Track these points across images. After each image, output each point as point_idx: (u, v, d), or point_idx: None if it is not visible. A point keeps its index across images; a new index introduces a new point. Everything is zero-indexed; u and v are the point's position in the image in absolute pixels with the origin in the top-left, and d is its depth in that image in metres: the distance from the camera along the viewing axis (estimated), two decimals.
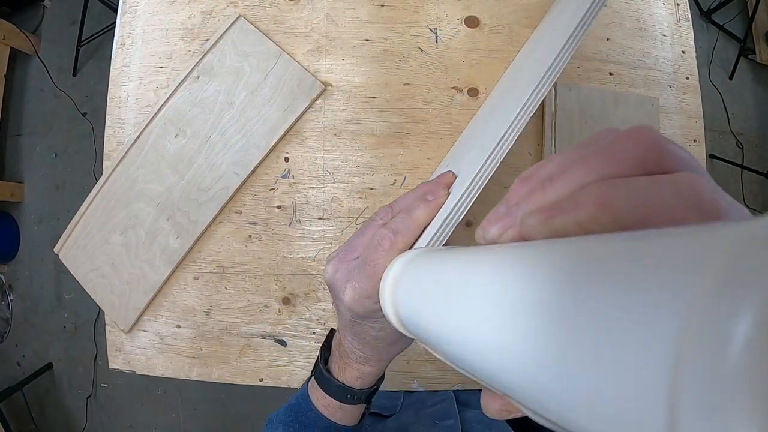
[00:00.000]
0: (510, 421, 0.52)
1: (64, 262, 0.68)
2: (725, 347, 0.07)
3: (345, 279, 0.29)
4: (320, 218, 0.64)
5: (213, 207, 0.64)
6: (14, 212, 1.78)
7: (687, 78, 0.67)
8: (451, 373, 0.64)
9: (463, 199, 0.28)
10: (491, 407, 0.17)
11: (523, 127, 0.29)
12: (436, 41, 0.65)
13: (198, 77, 0.64)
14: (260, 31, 0.64)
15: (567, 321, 0.10)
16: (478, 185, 0.28)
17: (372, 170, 0.64)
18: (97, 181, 0.66)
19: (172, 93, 0.64)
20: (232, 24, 0.64)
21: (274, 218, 0.65)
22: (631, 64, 0.66)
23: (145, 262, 0.65)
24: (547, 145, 0.62)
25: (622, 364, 0.08)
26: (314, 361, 0.39)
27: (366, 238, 0.30)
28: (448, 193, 0.30)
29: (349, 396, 0.35)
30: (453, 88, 0.64)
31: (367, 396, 0.36)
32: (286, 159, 0.65)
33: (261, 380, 0.65)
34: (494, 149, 0.29)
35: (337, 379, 0.35)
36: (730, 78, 1.70)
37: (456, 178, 0.32)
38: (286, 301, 0.64)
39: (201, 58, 0.64)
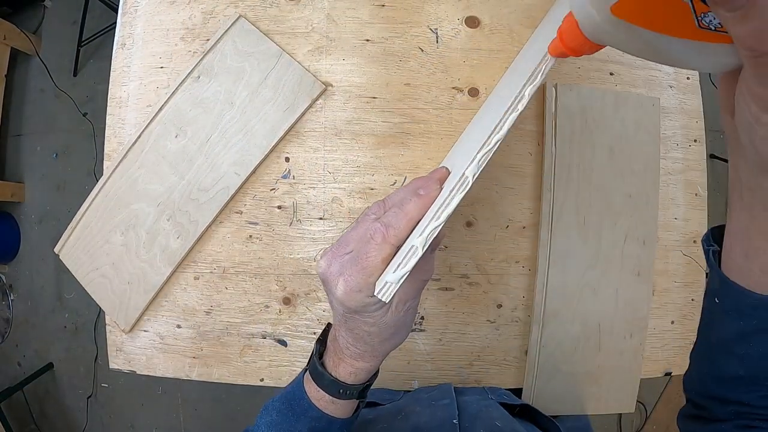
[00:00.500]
0: (505, 405, 0.53)
1: (64, 262, 0.68)
2: None
3: (338, 273, 0.30)
4: (321, 218, 0.64)
5: (213, 207, 0.64)
6: (15, 212, 1.78)
7: (688, 78, 0.67)
8: (452, 373, 0.64)
9: (454, 192, 0.28)
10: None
11: (511, 124, 0.29)
12: (437, 41, 0.65)
13: (198, 77, 0.64)
14: (261, 31, 0.64)
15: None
16: (468, 180, 0.28)
17: (372, 170, 0.64)
18: (97, 181, 0.66)
19: (173, 93, 0.64)
20: (232, 24, 0.64)
21: (274, 218, 0.65)
22: (632, 64, 0.66)
23: (146, 262, 0.65)
24: (547, 145, 0.62)
25: None
26: (310, 353, 0.39)
27: (359, 233, 0.30)
28: (441, 188, 0.30)
29: (341, 391, 0.35)
30: (453, 88, 0.64)
31: (359, 392, 0.37)
32: (287, 159, 0.65)
33: (261, 380, 0.65)
34: (483, 145, 0.29)
35: (331, 374, 0.36)
36: None
37: (449, 173, 0.32)
38: (286, 301, 0.65)
39: (201, 58, 0.64)
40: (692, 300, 0.65)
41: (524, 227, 0.63)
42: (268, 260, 0.65)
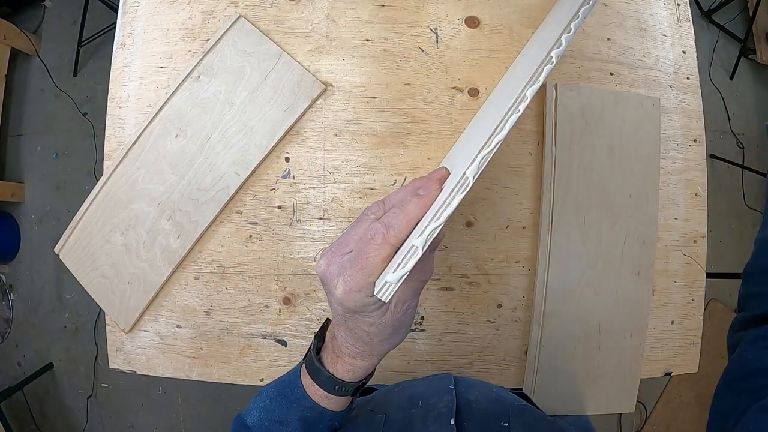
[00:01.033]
0: None
1: (64, 262, 0.68)
2: None
3: (337, 273, 0.30)
4: (321, 218, 0.64)
5: (213, 207, 0.64)
6: (15, 212, 1.78)
7: (688, 78, 0.67)
8: (452, 373, 0.64)
9: (454, 192, 0.28)
10: None
11: (512, 125, 0.30)
12: (437, 41, 0.65)
13: (198, 77, 0.64)
14: (261, 31, 0.64)
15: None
16: (469, 180, 0.28)
17: (372, 170, 0.64)
18: (97, 181, 0.66)
19: (173, 93, 0.64)
20: (232, 24, 0.64)
21: (274, 218, 0.65)
22: (632, 64, 0.66)
23: (146, 262, 0.65)
24: (547, 145, 0.62)
25: None
26: (307, 347, 0.39)
27: (358, 233, 0.30)
28: (441, 188, 0.30)
29: (337, 387, 0.36)
30: (453, 88, 0.64)
31: (354, 389, 0.37)
32: (287, 159, 0.65)
33: (261, 380, 0.65)
34: (483, 145, 0.29)
35: (328, 370, 0.36)
36: (731, 78, 1.70)
37: (449, 174, 0.32)
38: (286, 301, 0.65)
39: (201, 58, 0.64)
40: (692, 300, 0.65)
41: (524, 227, 0.63)
42: (268, 260, 0.65)
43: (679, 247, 0.65)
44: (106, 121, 0.68)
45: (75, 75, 1.79)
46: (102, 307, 0.66)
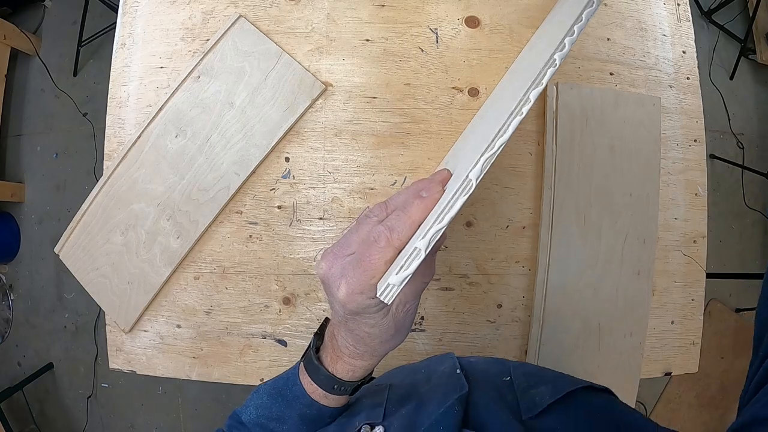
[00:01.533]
0: None
1: (64, 262, 0.68)
2: None
3: (339, 275, 0.30)
4: (321, 218, 0.64)
5: (213, 207, 0.64)
6: (15, 212, 1.78)
7: (687, 78, 0.67)
8: None
9: (457, 195, 0.28)
10: None
11: (515, 127, 0.30)
12: (437, 41, 0.65)
13: (198, 77, 0.64)
14: (261, 31, 0.64)
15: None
16: (472, 183, 0.28)
17: (372, 170, 0.64)
18: (97, 181, 0.66)
19: (173, 93, 0.64)
20: (232, 24, 0.64)
21: (274, 218, 0.65)
22: (632, 64, 0.66)
23: (146, 262, 0.65)
24: (548, 144, 0.62)
25: None
26: (306, 345, 0.39)
27: (361, 235, 0.30)
28: (443, 190, 0.30)
29: (336, 387, 0.36)
30: (453, 88, 0.64)
31: (353, 389, 0.37)
32: (287, 159, 0.65)
33: (262, 380, 0.65)
34: (487, 148, 0.29)
35: (327, 369, 0.36)
36: (731, 78, 1.70)
37: (452, 175, 0.32)
38: (286, 301, 0.65)
39: (201, 58, 0.64)
40: (692, 300, 0.65)
41: (524, 227, 0.63)
42: (268, 260, 0.65)
43: (679, 247, 0.65)
44: (106, 121, 0.68)
45: (75, 75, 1.79)
46: (102, 307, 0.66)
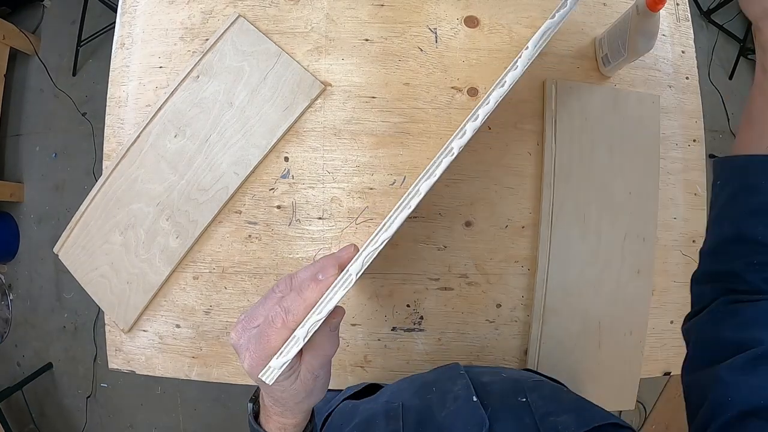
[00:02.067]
0: None
1: (63, 262, 0.68)
2: None
3: (245, 347, 0.31)
4: (320, 218, 0.64)
5: (213, 207, 0.64)
6: (14, 212, 1.78)
7: (687, 78, 0.67)
8: None
9: (336, 288, 0.29)
10: None
11: (401, 222, 0.30)
12: (436, 41, 0.65)
13: (198, 77, 0.64)
14: (260, 30, 0.64)
15: None
16: (351, 277, 0.29)
17: (372, 170, 0.64)
18: (96, 180, 0.66)
19: (172, 93, 0.64)
20: (231, 24, 0.64)
21: (273, 218, 0.65)
22: (631, 64, 0.66)
23: (145, 262, 0.65)
24: (547, 143, 0.62)
25: None
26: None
27: (265, 309, 0.32)
28: (338, 273, 0.31)
29: None
30: (453, 87, 0.64)
31: None
32: (286, 159, 0.64)
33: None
34: (369, 243, 0.30)
35: (263, 429, 0.37)
36: (730, 78, 1.70)
37: (358, 251, 0.34)
38: None
39: (201, 58, 0.64)
40: None
41: (523, 227, 0.63)
42: (268, 260, 0.64)
43: (679, 246, 0.65)
44: (105, 121, 0.68)
45: (74, 75, 1.79)
46: (101, 307, 0.66)
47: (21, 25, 1.74)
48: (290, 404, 0.35)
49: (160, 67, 0.67)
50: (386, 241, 0.30)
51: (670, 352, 0.65)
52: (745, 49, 1.67)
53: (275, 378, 0.29)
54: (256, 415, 0.39)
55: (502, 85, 0.31)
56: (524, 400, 0.40)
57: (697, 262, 0.40)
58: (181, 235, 0.64)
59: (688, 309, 0.65)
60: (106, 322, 0.67)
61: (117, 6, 0.69)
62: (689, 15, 0.68)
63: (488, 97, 0.31)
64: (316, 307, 0.30)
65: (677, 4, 0.68)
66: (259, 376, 0.29)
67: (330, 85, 0.64)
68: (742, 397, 0.29)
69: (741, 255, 0.35)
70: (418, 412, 0.42)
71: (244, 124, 0.63)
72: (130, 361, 0.67)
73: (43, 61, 1.78)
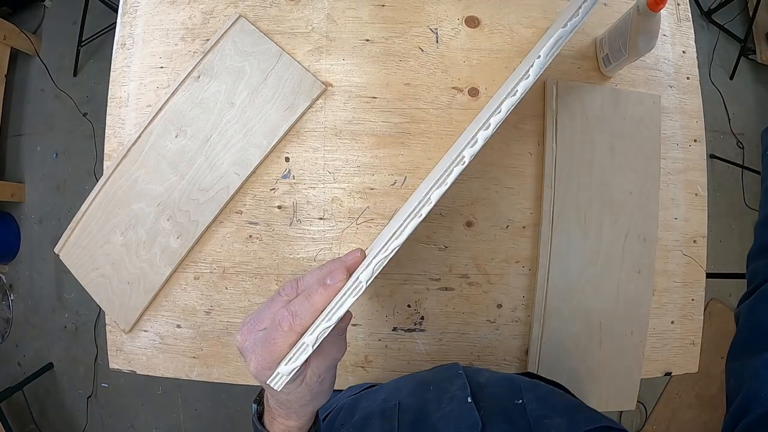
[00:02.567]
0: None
1: (64, 262, 0.68)
2: None
3: (251, 350, 0.31)
4: (321, 218, 0.64)
5: (213, 207, 0.64)
6: (15, 212, 1.78)
7: (687, 78, 0.67)
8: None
9: (346, 295, 0.29)
10: None
11: (412, 230, 0.30)
12: (437, 41, 0.65)
13: (198, 77, 0.64)
14: (261, 31, 0.64)
15: None
16: (362, 284, 0.29)
17: (372, 170, 0.64)
18: (97, 181, 0.66)
19: (173, 93, 0.64)
20: (232, 24, 0.64)
21: (274, 218, 0.65)
22: (632, 64, 0.66)
23: (146, 262, 0.65)
24: (548, 143, 0.62)
25: None
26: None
27: (271, 312, 0.32)
28: (347, 278, 0.31)
29: None
30: (453, 88, 0.64)
31: None
32: (287, 159, 0.65)
33: None
34: (380, 250, 0.29)
35: (268, 430, 0.37)
36: (731, 78, 1.70)
37: (365, 257, 0.33)
38: None
39: (201, 58, 0.64)
40: (692, 300, 0.65)
41: (524, 227, 0.63)
42: (268, 260, 0.65)
43: (679, 247, 0.65)
44: (106, 121, 0.68)
45: (75, 75, 1.79)
46: (102, 307, 0.66)
47: (22, 26, 1.74)
48: (295, 407, 0.35)
49: (161, 67, 0.67)
50: (396, 250, 0.29)
51: (670, 353, 0.65)
52: (746, 49, 1.67)
53: (284, 384, 0.29)
54: (260, 416, 0.39)
55: (514, 94, 0.31)
56: (520, 402, 0.40)
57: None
58: (182, 236, 0.64)
59: (688, 309, 0.66)
60: (106, 322, 0.67)
61: (118, 6, 0.69)
62: (690, 15, 0.68)
63: (500, 106, 0.31)
64: (324, 313, 0.29)
65: (678, 4, 0.68)
66: (267, 382, 0.29)
67: (331, 85, 0.65)
68: None
69: None
70: (413, 411, 0.42)
71: (245, 125, 0.63)
72: (131, 361, 0.67)
73: (44, 62, 1.78)
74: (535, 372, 0.61)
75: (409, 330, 0.64)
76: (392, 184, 0.64)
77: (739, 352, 0.34)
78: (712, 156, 1.64)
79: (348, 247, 0.64)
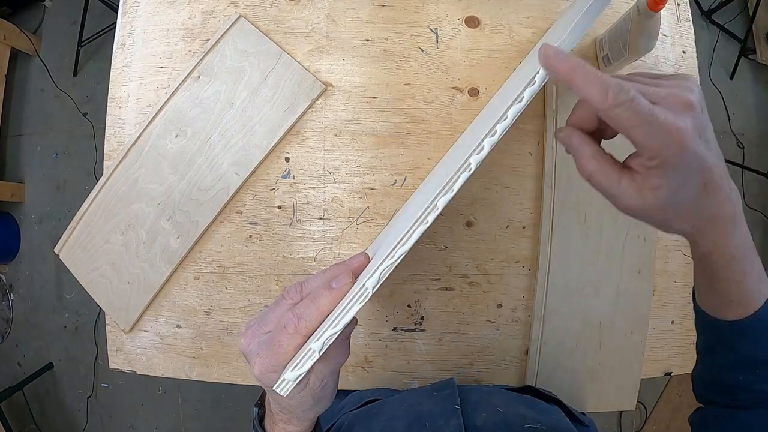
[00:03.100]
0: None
1: (64, 262, 0.68)
2: None
3: (255, 353, 0.31)
4: (321, 218, 0.64)
5: (213, 207, 0.64)
6: (15, 212, 1.78)
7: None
8: (452, 373, 0.64)
9: (352, 302, 0.29)
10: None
11: (419, 236, 0.29)
12: (437, 41, 0.65)
13: (198, 77, 0.64)
14: (261, 31, 0.64)
15: None
16: (368, 291, 0.29)
17: (373, 170, 0.64)
18: (97, 181, 0.66)
19: (173, 93, 0.64)
20: (232, 24, 0.64)
21: (274, 218, 0.65)
22: (632, 64, 0.65)
23: (146, 262, 0.65)
24: (548, 143, 0.62)
25: None
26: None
27: (276, 315, 0.32)
28: (354, 281, 0.31)
29: None
30: (453, 88, 0.64)
31: None
32: (287, 159, 0.65)
33: None
34: (386, 257, 0.29)
35: None
36: (731, 78, 1.70)
37: (370, 260, 0.33)
38: None
39: (201, 58, 0.64)
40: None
41: (524, 227, 0.63)
42: (268, 260, 0.65)
43: (679, 247, 0.65)
44: (106, 121, 0.68)
45: (75, 75, 1.79)
46: (102, 307, 0.66)
47: (22, 26, 1.74)
48: (297, 412, 0.35)
49: (161, 67, 0.67)
50: (403, 256, 0.29)
51: (670, 353, 0.65)
52: (746, 49, 1.67)
53: (290, 390, 0.29)
54: (261, 419, 0.39)
55: (520, 101, 0.31)
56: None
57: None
58: (182, 236, 0.64)
59: (688, 309, 0.65)
60: (106, 322, 0.67)
61: (118, 6, 0.69)
62: (690, 15, 0.68)
63: (506, 113, 0.31)
64: (330, 319, 0.29)
65: (678, 4, 0.68)
66: (273, 388, 0.29)
67: (331, 85, 0.65)
68: None
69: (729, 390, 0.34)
70: None
71: (245, 125, 0.63)
72: (131, 361, 0.67)
73: (44, 62, 1.78)
74: (535, 378, 0.61)
75: (409, 330, 0.64)
76: (392, 184, 0.64)
77: None
78: None
79: (348, 247, 0.64)
